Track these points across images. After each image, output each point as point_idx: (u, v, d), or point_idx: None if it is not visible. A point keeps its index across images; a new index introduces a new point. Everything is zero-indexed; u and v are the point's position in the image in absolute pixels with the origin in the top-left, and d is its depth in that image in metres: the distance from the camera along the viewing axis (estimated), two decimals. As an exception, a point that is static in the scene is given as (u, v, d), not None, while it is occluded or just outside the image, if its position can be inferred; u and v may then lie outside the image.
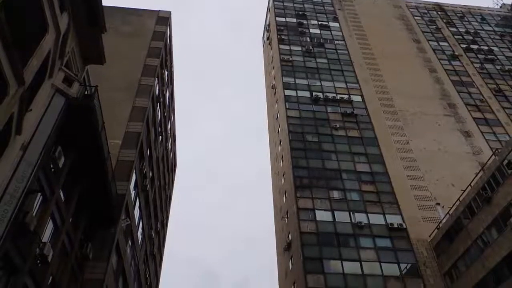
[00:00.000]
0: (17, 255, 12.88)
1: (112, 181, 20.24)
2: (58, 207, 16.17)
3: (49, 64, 14.34)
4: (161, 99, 34.75)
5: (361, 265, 36.50)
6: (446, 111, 52.68)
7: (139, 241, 28.30)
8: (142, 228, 29.15)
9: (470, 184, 33.09)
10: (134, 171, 24.80)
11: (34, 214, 13.93)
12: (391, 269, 36.55)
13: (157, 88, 32.50)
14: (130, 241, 25.36)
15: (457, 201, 34.44)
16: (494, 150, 37.35)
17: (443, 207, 39.87)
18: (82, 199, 18.89)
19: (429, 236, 37.93)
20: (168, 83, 39.49)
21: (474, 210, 31.17)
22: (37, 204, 14.61)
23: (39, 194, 14.58)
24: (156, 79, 31.71)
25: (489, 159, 33.40)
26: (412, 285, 35.57)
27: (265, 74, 71.63)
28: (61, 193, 16.58)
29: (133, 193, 25.39)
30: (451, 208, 35.35)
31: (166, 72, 38.02)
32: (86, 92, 18.83)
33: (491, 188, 29.51)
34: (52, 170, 15.26)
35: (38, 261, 14.44)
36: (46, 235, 15.50)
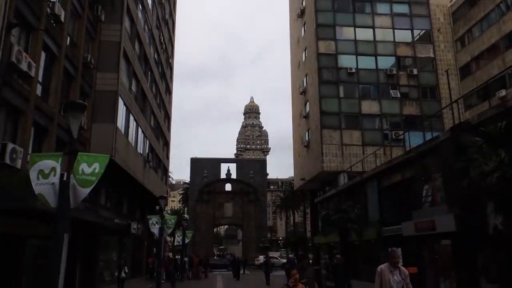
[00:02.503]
0: (29, 13, 12.88)
1: None
2: (58, -36, 15.19)
3: None
4: None
5: (374, 32, 36.45)
6: None
7: (149, 6, 27.73)
8: (151, -8, 28.11)
9: None
10: None
11: (34, -29, 13.22)
12: (403, 35, 36.63)
13: None
14: (140, 5, 24.85)
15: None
16: None
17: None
18: (82, -44, 17.57)
19: (450, 1, 36.25)
20: None
21: (507, -30, 28.63)
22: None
23: None
24: None
25: None
26: (422, 50, 36.25)
27: None
28: None
29: (135, -49, 23.35)
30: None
31: None
32: None
33: None
34: None
35: (52, 21, 14.55)
36: (53, -5, 15.10)
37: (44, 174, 7.18)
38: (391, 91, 35.11)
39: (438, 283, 15.59)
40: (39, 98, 13.99)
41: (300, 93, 40.51)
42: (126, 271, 20.45)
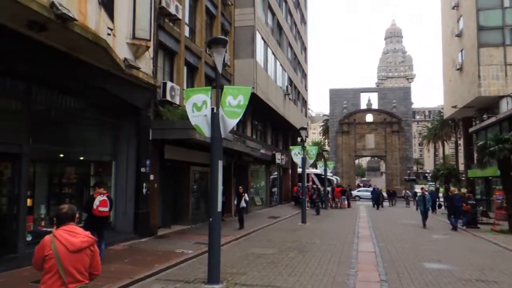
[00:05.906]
0: (172, -43, 13.61)
1: None
2: None
3: None
4: None
5: None
6: None
7: None
8: None
9: None
10: None
11: None
12: None
13: None
14: None
15: None
16: None
17: None
18: None
19: None
20: None
21: None
22: None
23: None
24: None
25: None
26: None
27: None
28: None
29: None
30: None
31: None
32: None
33: None
34: None
35: (192, -38, 15.16)
36: None
37: (198, 107, 7.86)
38: None
39: None
40: (188, 39, 15.12)
41: (452, 8, 35.30)
42: (247, 199, 16.30)
